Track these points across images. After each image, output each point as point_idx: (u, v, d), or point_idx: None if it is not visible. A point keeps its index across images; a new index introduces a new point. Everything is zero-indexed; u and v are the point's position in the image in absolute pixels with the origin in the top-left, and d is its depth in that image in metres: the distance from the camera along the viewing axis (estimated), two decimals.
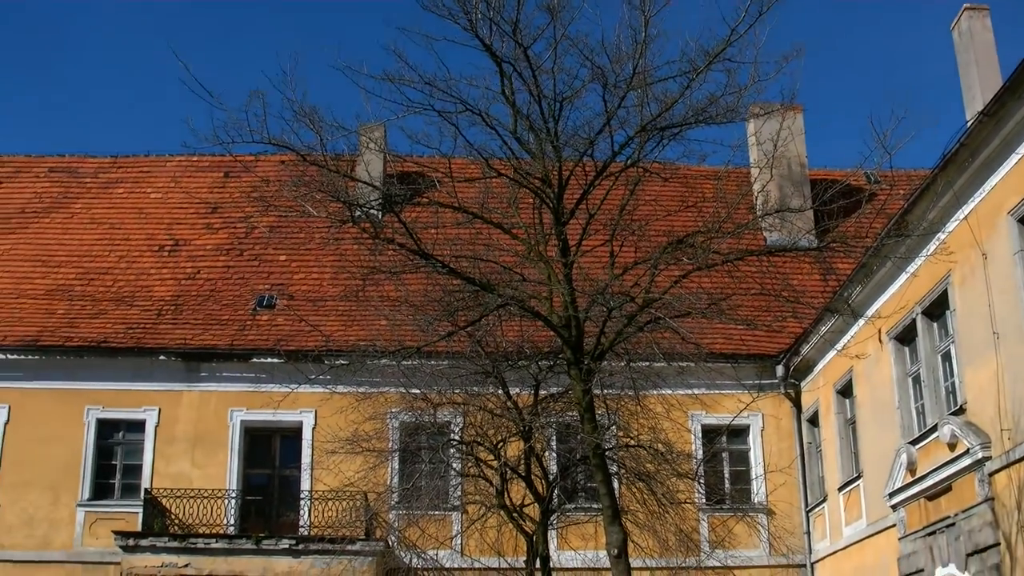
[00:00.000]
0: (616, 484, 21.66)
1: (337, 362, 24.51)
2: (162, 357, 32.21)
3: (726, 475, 31.91)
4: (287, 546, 29.03)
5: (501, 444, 23.62)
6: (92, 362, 32.36)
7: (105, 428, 32.19)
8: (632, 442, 23.18)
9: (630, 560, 18.97)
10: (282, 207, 21.82)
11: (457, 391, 23.92)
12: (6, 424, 32.05)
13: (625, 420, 23.74)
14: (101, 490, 31.77)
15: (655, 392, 24.36)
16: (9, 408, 32.10)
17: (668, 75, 18.28)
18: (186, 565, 28.94)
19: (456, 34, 17.96)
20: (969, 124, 21.05)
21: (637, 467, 23.04)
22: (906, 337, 25.34)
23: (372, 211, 20.03)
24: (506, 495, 23.92)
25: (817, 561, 30.71)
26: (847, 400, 28.87)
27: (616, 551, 18.67)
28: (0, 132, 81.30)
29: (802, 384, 31.63)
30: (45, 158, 41.21)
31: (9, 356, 32.41)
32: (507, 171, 19.17)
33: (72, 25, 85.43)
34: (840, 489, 28.92)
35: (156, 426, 31.91)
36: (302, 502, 30.80)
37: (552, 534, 26.82)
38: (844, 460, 28.99)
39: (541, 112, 18.43)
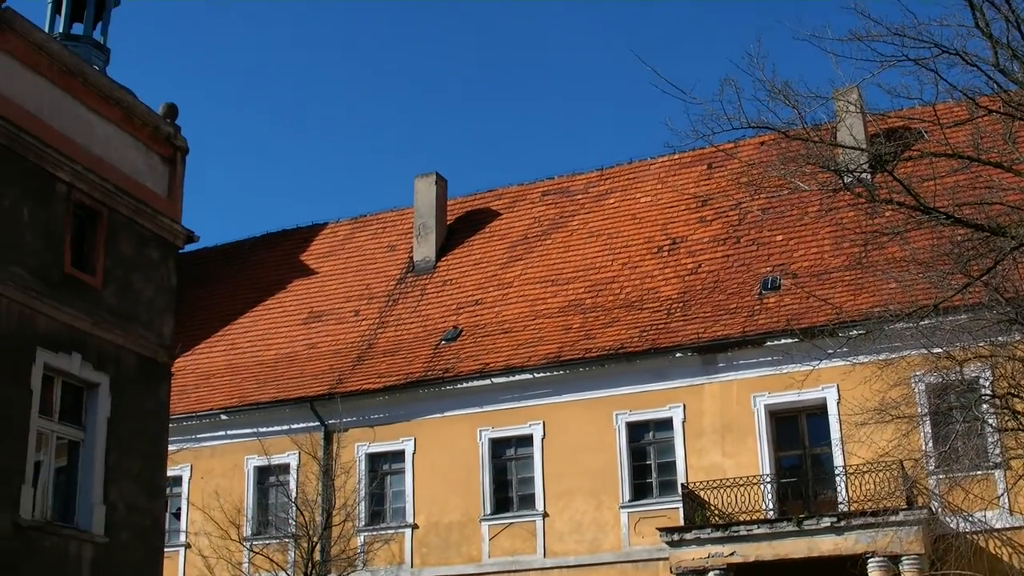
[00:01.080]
0: None
1: (852, 333, 24.07)
2: (678, 354, 32.84)
3: None
4: (829, 524, 28.75)
5: None
6: (613, 369, 33.58)
7: (635, 430, 33.29)
8: None
9: None
10: (771, 187, 21.83)
11: (981, 344, 23.04)
12: (543, 439, 33.77)
13: None
14: (639, 490, 32.80)
15: None
16: (543, 424, 33.92)
17: None
18: (731, 553, 29.30)
19: None
20: None
21: None
22: None
23: (863, 174, 19.69)
24: None
25: None
26: None
27: None
28: (492, 167, 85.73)
29: None
30: (537, 183, 43.12)
31: (536, 375, 34.16)
32: (996, 106, 18.41)
33: (541, 55, 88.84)
34: None
35: (683, 421, 32.60)
36: (837, 478, 30.49)
37: None
38: None
39: (1022, 37, 17.59)
